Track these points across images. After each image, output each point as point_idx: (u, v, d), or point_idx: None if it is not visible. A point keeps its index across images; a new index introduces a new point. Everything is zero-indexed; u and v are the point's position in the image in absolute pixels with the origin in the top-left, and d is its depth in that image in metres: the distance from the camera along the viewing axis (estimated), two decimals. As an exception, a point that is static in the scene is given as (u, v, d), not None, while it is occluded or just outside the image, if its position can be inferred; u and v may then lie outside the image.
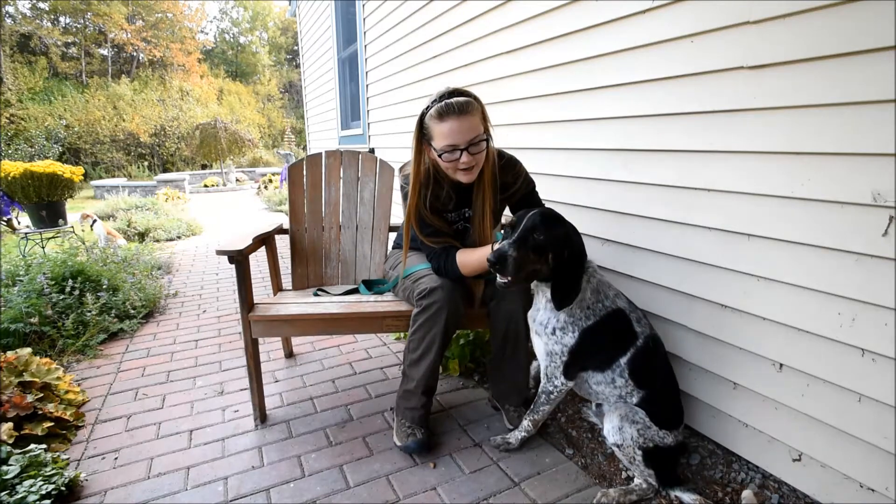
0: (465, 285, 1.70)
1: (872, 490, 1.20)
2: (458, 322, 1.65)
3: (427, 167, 1.60)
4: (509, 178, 1.67)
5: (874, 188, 1.11)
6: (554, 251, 1.38)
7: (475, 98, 1.52)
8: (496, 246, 1.41)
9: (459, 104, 1.46)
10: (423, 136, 1.54)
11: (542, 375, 1.55)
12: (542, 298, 1.52)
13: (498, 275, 1.36)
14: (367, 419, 1.88)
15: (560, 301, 1.40)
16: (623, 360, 1.43)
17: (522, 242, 1.35)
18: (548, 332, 1.48)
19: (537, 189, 1.77)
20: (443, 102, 1.47)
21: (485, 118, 1.54)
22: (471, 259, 1.58)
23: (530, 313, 1.59)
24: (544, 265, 1.39)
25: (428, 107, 1.51)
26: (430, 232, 1.64)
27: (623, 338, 1.44)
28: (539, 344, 1.53)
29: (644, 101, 1.65)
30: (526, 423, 1.65)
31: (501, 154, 1.69)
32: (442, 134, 1.47)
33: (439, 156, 1.50)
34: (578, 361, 1.47)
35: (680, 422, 1.47)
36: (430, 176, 1.61)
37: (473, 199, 1.65)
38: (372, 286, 2.03)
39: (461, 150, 1.48)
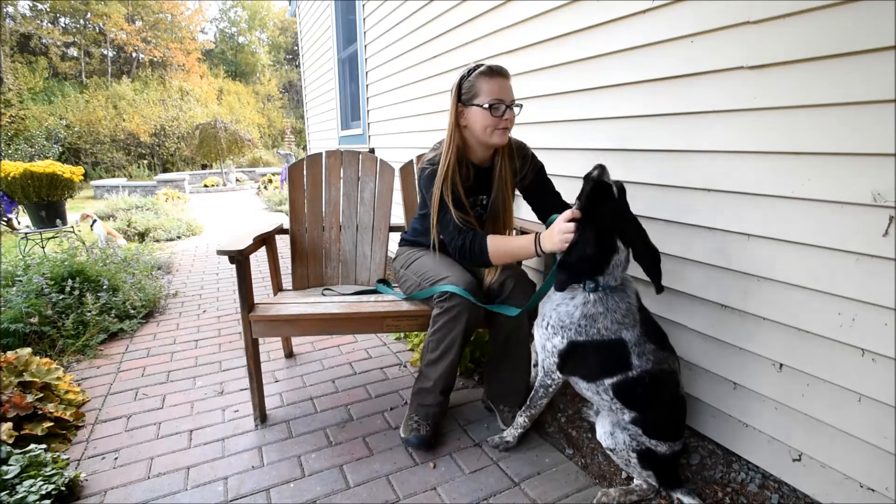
0: (480, 282, 1.70)
1: (872, 490, 1.21)
2: (478, 322, 1.65)
3: (456, 142, 1.61)
4: (518, 163, 1.71)
5: (874, 188, 1.11)
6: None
7: None
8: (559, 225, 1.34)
9: (504, 68, 1.57)
10: (460, 98, 1.58)
11: (539, 368, 1.55)
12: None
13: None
14: (367, 419, 1.88)
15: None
16: (608, 382, 1.38)
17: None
18: (542, 325, 1.48)
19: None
20: (489, 65, 1.56)
21: None
22: (510, 246, 1.53)
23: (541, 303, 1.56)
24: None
25: (471, 70, 1.57)
26: (459, 206, 1.61)
27: (613, 365, 1.37)
28: (537, 335, 1.53)
29: (644, 101, 1.65)
30: (522, 419, 1.64)
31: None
32: (491, 90, 1.53)
33: (489, 107, 1.52)
34: (567, 365, 1.46)
35: (678, 437, 1.41)
36: (457, 150, 1.62)
37: (494, 180, 1.68)
38: (390, 284, 2.04)
39: (506, 106, 1.54)
